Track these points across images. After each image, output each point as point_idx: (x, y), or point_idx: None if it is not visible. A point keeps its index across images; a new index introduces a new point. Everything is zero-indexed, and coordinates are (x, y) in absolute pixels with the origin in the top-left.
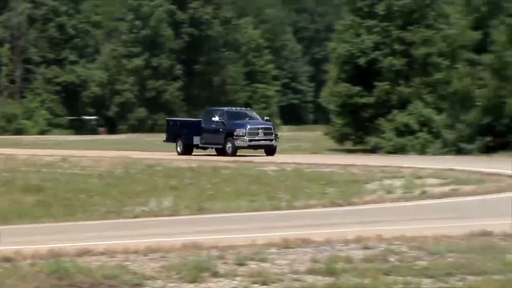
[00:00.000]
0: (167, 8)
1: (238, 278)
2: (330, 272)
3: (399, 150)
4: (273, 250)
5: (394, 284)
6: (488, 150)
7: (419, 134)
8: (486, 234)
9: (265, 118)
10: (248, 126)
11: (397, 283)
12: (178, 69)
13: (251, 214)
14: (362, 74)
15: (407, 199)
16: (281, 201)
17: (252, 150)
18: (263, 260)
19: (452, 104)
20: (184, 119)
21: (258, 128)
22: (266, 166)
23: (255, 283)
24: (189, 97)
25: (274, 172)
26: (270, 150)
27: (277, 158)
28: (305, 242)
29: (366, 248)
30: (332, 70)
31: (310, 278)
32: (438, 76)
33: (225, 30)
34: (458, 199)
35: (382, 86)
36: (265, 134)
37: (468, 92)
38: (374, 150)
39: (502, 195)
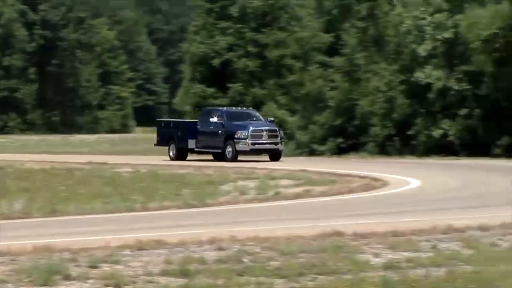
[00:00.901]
0: (19, 8)
1: (90, 281)
2: (183, 273)
3: None
4: (127, 252)
5: (247, 285)
6: (340, 151)
7: None
8: (337, 234)
9: (270, 119)
10: (251, 128)
11: (250, 284)
12: (31, 71)
13: (105, 216)
14: (217, 75)
15: (261, 200)
16: (136, 202)
17: (253, 155)
18: (116, 262)
19: (305, 106)
20: (178, 120)
21: (262, 130)
22: (121, 168)
23: (108, 285)
24: (42, 98)
25: (129, 173)
26: (275, 155)
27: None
28: (159, 244)
29: (220, 249)
30: (186, 71)
31: (163, 280)
32: (291, 78)
33: (79, 31)
34: (311, 200)
35: (236, 87)
36: (269, 137)
37: (320, 94)
38: None
39: (353, 195)
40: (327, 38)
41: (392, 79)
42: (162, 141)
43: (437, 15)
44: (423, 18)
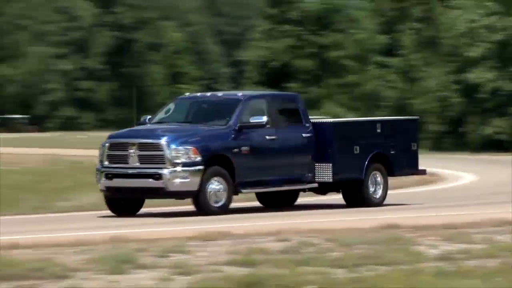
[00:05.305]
0: (94, 11)
1: None
2: None
3: None
4: None
5: None
6: None
7: None
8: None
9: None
10: (107, 144)
11: None
12: (107, 72)
13: None
14: (275, 76)
15: None
16: None
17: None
18: None
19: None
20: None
21: (128, 144)
22: None
23: None
24: (116, 97)
25: None
26: (197, 201)
27: None
28: None
29: None
30: (249, 73)
31: None
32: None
33: (149, 33)
34: None
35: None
36: (142, 160)
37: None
38: None
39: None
40: (383, 39)
41: (445, 79)
42: None
43: (489, 18)
44: (476, 20)
